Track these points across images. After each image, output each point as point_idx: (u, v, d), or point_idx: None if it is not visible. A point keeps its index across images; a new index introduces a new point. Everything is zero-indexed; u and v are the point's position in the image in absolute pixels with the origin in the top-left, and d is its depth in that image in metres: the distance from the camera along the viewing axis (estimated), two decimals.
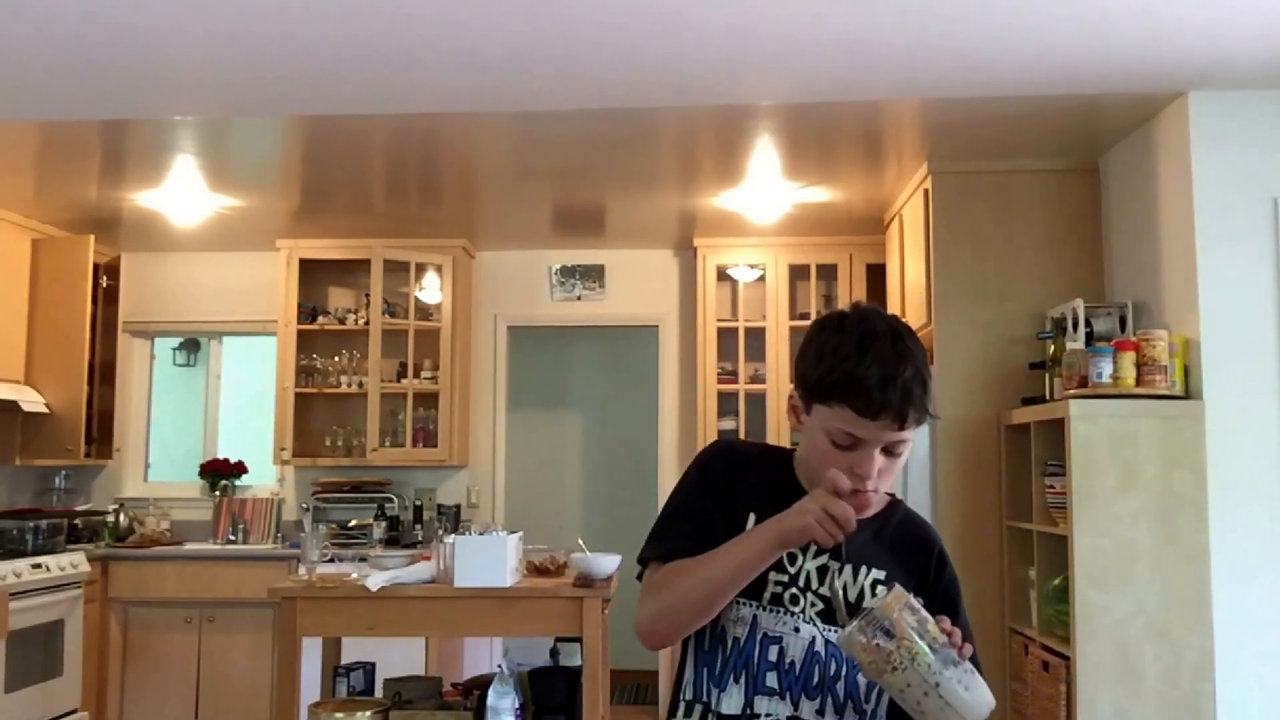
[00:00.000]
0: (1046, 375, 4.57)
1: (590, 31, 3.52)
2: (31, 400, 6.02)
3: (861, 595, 1.70)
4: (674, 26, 3.48)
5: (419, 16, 3.41)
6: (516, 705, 3.86)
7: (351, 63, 3.78)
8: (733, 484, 1.76)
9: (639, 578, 1.79)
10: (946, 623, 1.57)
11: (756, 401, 6.49)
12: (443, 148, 4.96)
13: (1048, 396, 4.52)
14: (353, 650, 4.48)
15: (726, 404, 6.51)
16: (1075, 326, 4.39)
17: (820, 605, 1.68)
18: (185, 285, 6.96)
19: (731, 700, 1.69)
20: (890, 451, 1.63)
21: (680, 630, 1.71)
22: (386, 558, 4.38)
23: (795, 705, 1.67)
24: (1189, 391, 4.06)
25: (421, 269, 6.57)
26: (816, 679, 1.68)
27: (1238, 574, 3.95)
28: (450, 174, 5.43)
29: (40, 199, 5.79)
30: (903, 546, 1.77)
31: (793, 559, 1.70)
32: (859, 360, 1.58)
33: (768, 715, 1.68)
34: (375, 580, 3.96)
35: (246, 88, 4.06)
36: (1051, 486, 4.23)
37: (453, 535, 4.14)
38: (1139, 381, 4.00)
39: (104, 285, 6.55)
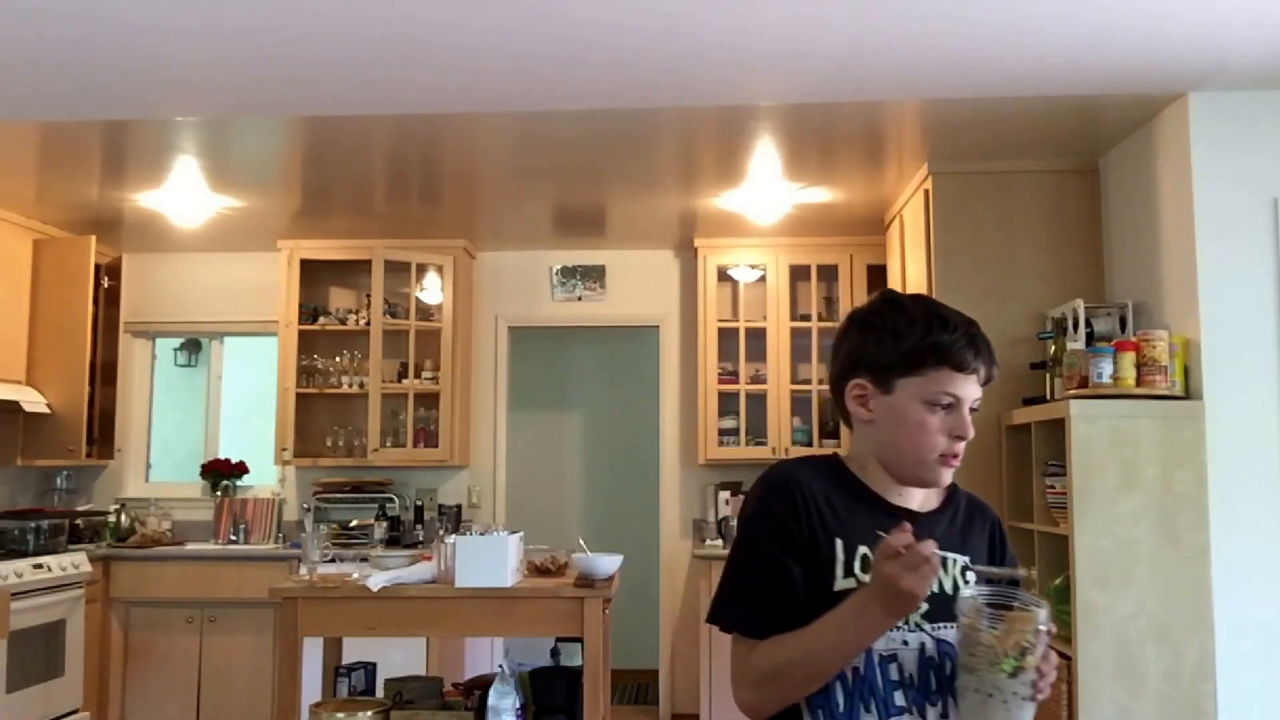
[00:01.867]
0: (1047, 375, 4.57)
1: (591, 32, 3.52)
2: (33, 400, 6.01)
3: (955, 584, 1.71)
4: (675, 27, 3.48)
5: (420, 17, 3.41)
6: (517, 705, 3.86)
7: (353, 63, 3.78)
8: (803, 521, 1.67)
9: (720, 627, 1.69)
10: (1052, 662, 1.58)
11: (757, 402, 6.49)
12: (444, 148, 4.96)
13: (1048, 397, 4.51)
14: (354, 650, 4.48)
15: (727, 404, 6.51)
16: (1076, 327, 4.39)
17: (924, 607, 1.64)
18: (186, 285, 6.96)
19: None
20: (972, 411, 1.71)
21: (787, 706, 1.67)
22: (387, 558, 4.38)
23: (924, 716, 1.65)
24: (1189, 392, 4.06)
25: (422, 269, 6.57)
26: (935, 684, 1.66)
27: (1238, 574, 3.95)
28: (451, 174, 5.43)
29: (41, 199, 5.78)
30: (971, 527, 1.81)
31: (866, 567, 1.66)
32: (942, 326, 1.68)
33: None
34: (376, 580, 3.97)
35: (248, 88, 4.05)
36: (1052, 486, 4.23)
37: (454, 535, 4.15)
38: (1139, 382, 4.00)
39: (105, 285, 6.55)
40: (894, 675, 1.64)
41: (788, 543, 1.65)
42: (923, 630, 1.66)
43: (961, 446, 1.69)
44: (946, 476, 1.71)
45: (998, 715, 1.56)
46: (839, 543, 1.66)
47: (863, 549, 1.66)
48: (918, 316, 1.69)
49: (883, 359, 1.69)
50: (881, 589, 1.52)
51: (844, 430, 1.90)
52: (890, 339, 1.69)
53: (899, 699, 1.64)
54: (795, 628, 1.61)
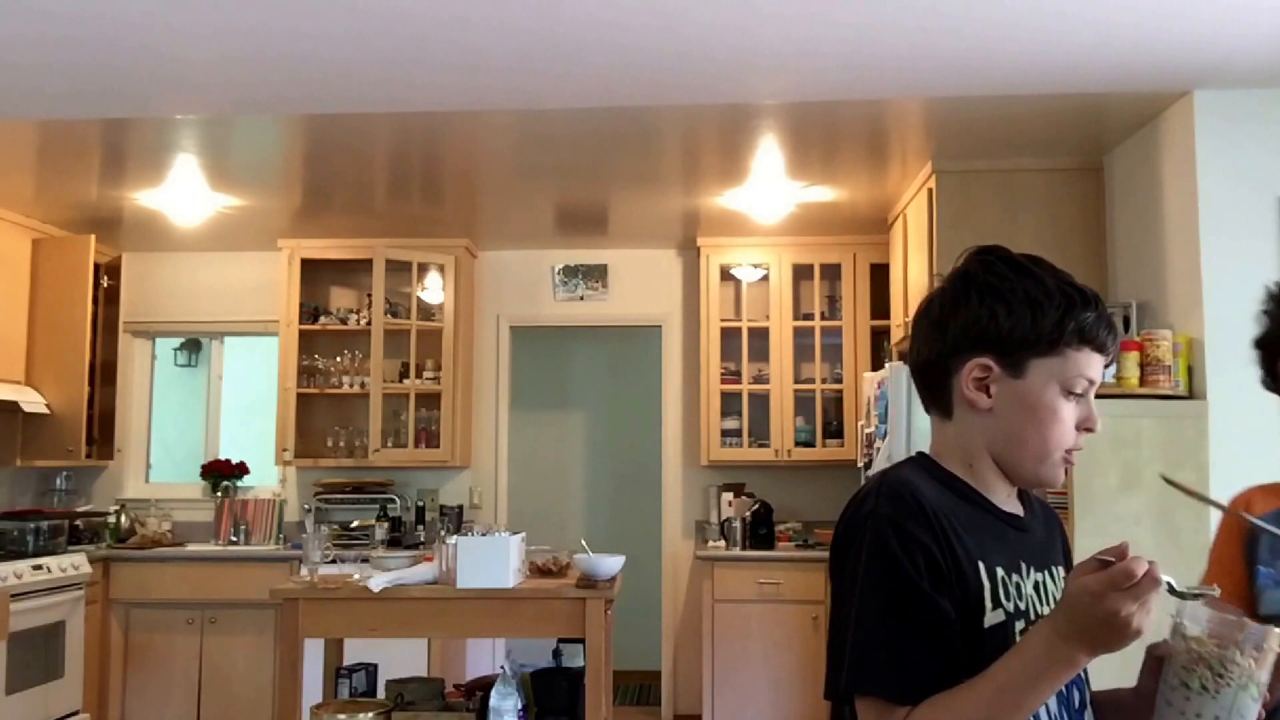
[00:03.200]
0: None
1: (593, 30, 3.51)
2: (32, 401, 6.00)
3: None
4: (677, 25, 3.47)
5: (421, 15, 3.39)
6: (519, 706, 3.85)
7: (354, 61, 3.77)
8: (944, 545, 1.35)
9: (855, 694, 1.33)
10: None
11: (760, 402, 6.48)
12: (445, 147, 4.94)
13: None
14: (355, 651, 4.48)
15: (730, 404, 6.50)
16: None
17: None
18: (186, 285, 6.95)
19: None
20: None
21: None
22: (389, 559, 4.38)
23: None
24: (1192, 391, 4.04)
25: (424, 269, 6.55)
26: (1067, 718, 1.42)
27: None
28: (453, 173, 5.42)
29: (41, 198, 5.77)
30: (1052, 534, 1.56)
31: (1008, 592, 1.39)
32: (1083, 299, 1.40)
33: None
34: (377, 581, 3.96)
35: (248, 86, 4.05)
36: None
37: (455, 536, 4.17)
38: (1143, 381, 3.98)
39: (105, 285, 6.54)
40: (1053, 717, 1.38)
41: (936, 575, 1.33)
42: None
43: (1085, 441, 1.43)
44: (1063, 475, 1.44)
45: None
46: (981, 567, 1.37)
47: (999, 571, 1.38)
48: (1053, 286, 1.39)
49: (1017, 335, 1.38)
50: (1097, 623, 1.21)
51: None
52: (1027, 311, 1.38)
53: None
54: (947, 684, 1.29)
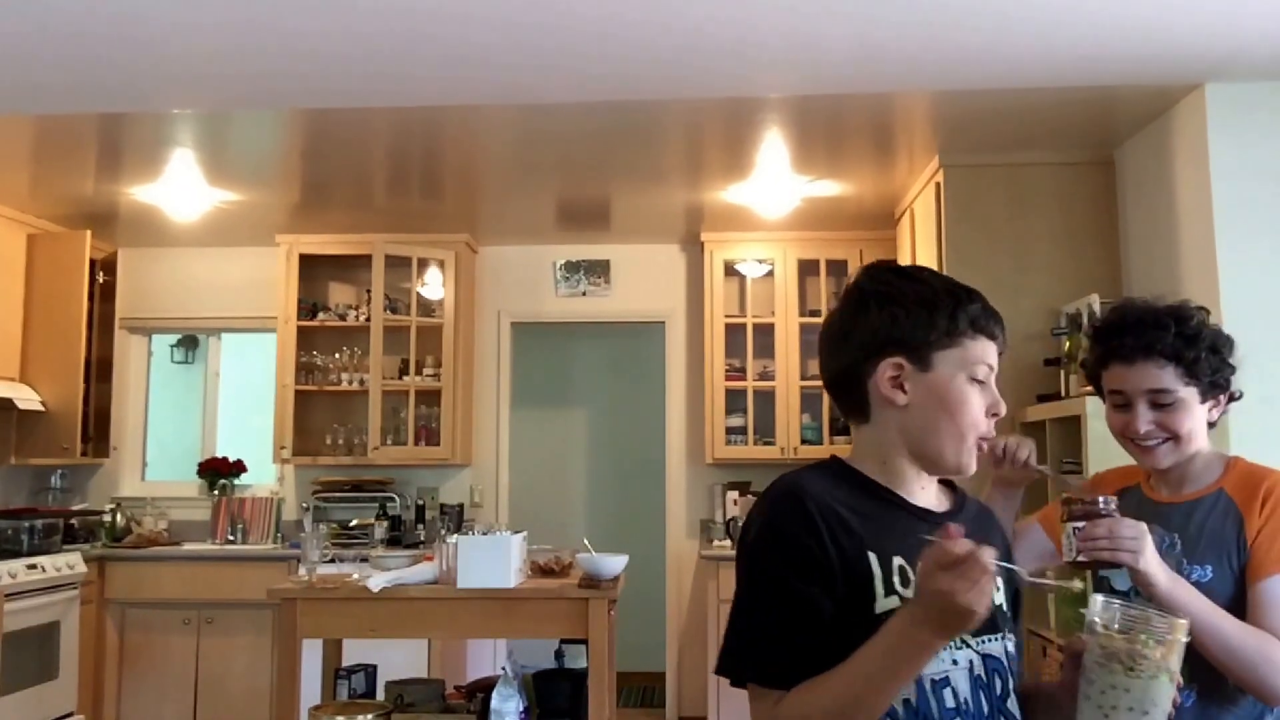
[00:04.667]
0: (1062, 372, 4.52)
1: (595, 23, 3.48)
2: (27, 398, 5.97)
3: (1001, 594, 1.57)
4: (680, 17, 3.44)
5: (420, 8, 3.37)
6: (521, 708, 3.83)
7: (352, 55, 3.74)
8: (825, 539, 1.44)
9: (731, 681, 1.45)
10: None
11: (765, 398, 6.45)
12: (445, 141, 4.93)
13: (1063, 394, 4.46)
14: (354, 652, 4.47)
15: (734, 401, 6.47)
16: (1090, 322, 4.34)
17: None
18: (183, 281, 6.91)
19: None
20: None
21: None
22: (388, 558, 4.37)
23: None
24: None
25: (424, 264, 6.51)
26: (987, 708, 1.48)
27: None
28: (453, 168, 5.40)
29: (36, 193, 5.75)
30: (986, 529, 1.62)
31: (906, 580, 1.46)
32: (966, 293, 1.55)
33: None
34: (377, 581, 3.94)
35: (245, 80, 4.02)
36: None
37: (456, 535, 4.16)
38: None
39: (101, 281, 6.51)
40: (949, 702, 1.45)
41: (808, 569, 1.42)
42: (969, 647, 1.48)
43: (994, 425, 1.55)
44: (975, 462, 1.54)
45: None
46: (873, 557, 1.45)
47: (898, 560, 1.46)
48: (938, 285, 1.54)
49: (919, 332, 1.50)
50: (933, 605, 1.30)
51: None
52: (922, 310, 1.51)
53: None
54: (824, 669, 1.39)
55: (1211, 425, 2.07)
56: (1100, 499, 1.89)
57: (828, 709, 1.37)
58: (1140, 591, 1.90)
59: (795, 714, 1.39)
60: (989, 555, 1.29)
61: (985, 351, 1.54)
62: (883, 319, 1.52)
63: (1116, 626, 1.47)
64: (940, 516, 1.54)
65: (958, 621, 1.30)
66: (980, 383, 1.53)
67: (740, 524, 1.58)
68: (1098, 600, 1.51)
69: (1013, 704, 1.51)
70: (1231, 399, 2.08)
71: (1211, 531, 1.99)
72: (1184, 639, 1.47)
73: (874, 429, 1.55)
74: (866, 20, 3.47)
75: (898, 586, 1.44)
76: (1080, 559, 1.88)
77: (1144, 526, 1.88)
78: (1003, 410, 1.55)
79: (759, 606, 1.45)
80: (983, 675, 1.48)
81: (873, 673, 1.35)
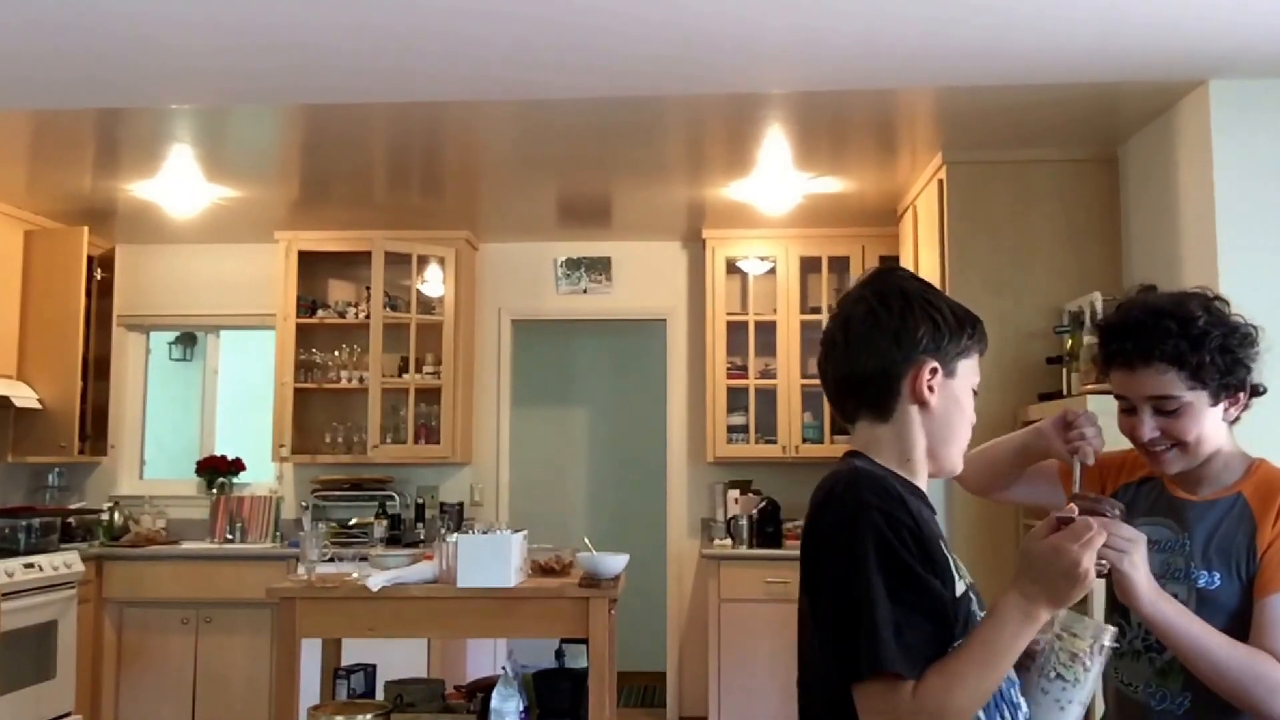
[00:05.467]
0: (1064, 370, 4.50)
1: (596, 18, 3.47)
2: (24, 396, 5.95)
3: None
4: (682, 12, 3.43)
5: (421, 3, 3.35)
6: (521, 708, 3.83)
7: (352, 50, 3.73)
8: (922, 527, 1.54)
9: (873, 676, 1.45)
10: None
11: (767, 397, 6.44)
12: (445, 137, 4.91)
13: (1065, 392, 4.44)
14: (353, 652, 4.46)
15: (736, 399, 6.45)
16: (1093, 320, 4.33)
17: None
18: (181, 278, 6.89)
19: None
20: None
21: None
22: (388, 557, 4.37)
23: (1022, 705, 1.64)
24: None
25: (424, 261, 6.49)
26: (1014, 675, 1.64)
27: None
28: (453, 164, 5.38)
29: (33, 189, 5.73)
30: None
31: (957, 565, 1.61)
32: (973, 315, 1.69)
33: None
34: (376, 580, 3.94)
35: (244, 76, 4.01)
36: None
37: (455, 534, 4.15)
38: None
39: (98, 278, 6.49)
40: (1011, 674, 1.59)
41: (923, 553, 1.50)
42: None
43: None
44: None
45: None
46: (942, 544, 1.58)
47: (945, 547, 1.60)
48: (949, 300, 1.68)
49: (950, 340, 1.63)
50: (1060, 578, 1.47)
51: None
52: (954, 319, 1.64)
53: (1015, 695, 1.61)
54: (942, 653, 1.47)
55: (1233, 423, 1.99)
56: (1106, 503, 1.85)
57: (969, 684, 1.44)
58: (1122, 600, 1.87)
59: (938, 693, 1.44)
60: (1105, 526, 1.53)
61: (980, 367, 1.69)
62: (928, 325, 1.62)
63: (1072, 630, 1.66)
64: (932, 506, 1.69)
65: (1075, 588, 1.47)
66: (975, 394, 1.69)
67: (828, 523, 1.56)
68: (1063, 613, 1.63)
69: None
70: (1255, 394, 1.97)
71: (1224, 537, 1.91)
72: (1109, 644, 1.66)
73: (895, 427, 1.64)
74: (869, 16, 3.45)
75: (960, 572, 1.59)
76: None
77: (1142, 537, 1.83)
78: (974, 420, 1.70)
79: (893, 596, 1.46)
80: None
81: (996, 645, 1.46)
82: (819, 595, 1.54)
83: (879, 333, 1.62)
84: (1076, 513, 1.71)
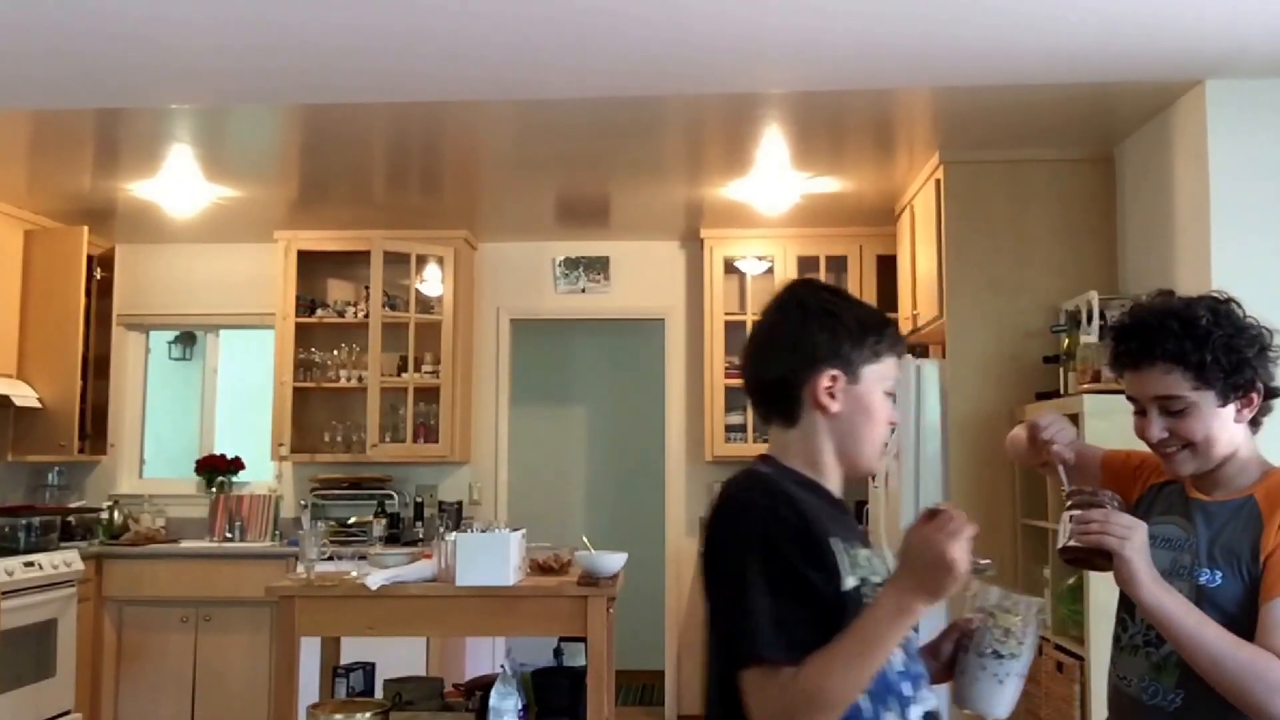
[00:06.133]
0: (1060, 369, 4.50)
1: (595, 17, 3.47)
2: (24, 395, 5.95)
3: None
4: (681, 13, 3.43)
5: (420, 3, 3.35)
6: (519, 706, 3.82)
7: (351, 50, 3.73)
8: (809, 524, 1.61)
9: (752, 665, 1.55)
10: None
11: None
12: (444, 137, 4.91)
13: (1062, 391, 4.45)
14: (352, 650, 4.45)
15: (734, 399, 6.44)
16: (1090, 319, 4.34)
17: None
18: (181, 277, 6.89)
19: None
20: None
21: None
22: (387, 556, 4.35)
23: (919, 702, 1.68)
24: None
25: (422, 261, 6.49)
26: (916, 669, 1.70)
27: None
28: (452, 164, 5.38)
29: (33, 189, 5.73)
30: (856, 516, 1.92)
31: (854, 562, 1.66)
32: (885, 319, 1.76)
33: (926, 715, 1.69)
34: (375, 579, 3.92)
35: (244, 75, 4.01)
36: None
37: (454, 533, 4.13)
38: None
39: (98, 277, 6.48)
40: (898, 666, 1.64)
41: (808, 553, 1.59)
42: None
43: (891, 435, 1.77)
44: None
45: (1012, 694, 1.75)
46: (834, 542, 1.63)
47: (842, 545, 1.64)
48: (864, 305, 1.76)
49: (852, 347, 1.69)
50: (931, 568, 1.51)
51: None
52: (856, 327, 1.70)
53: (906, 689, 1.65)
54: (822, 642, 1.54)
55: (1255, 426, 1.98)
56: (1104, 494, 1.89)
57: (843, 671, 1.52)
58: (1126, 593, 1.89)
59: (814, 680, 1.51)
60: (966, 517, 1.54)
61: (896, 369, 1.75)
62: (825, 334, 1.69)
63: (1004, 607, 1.74)
64: (846, 506, 1.78)
65: (947, 580, 1.50)
66: (889, 395, 1.74)
67: (721, 522, 1.68)
68: (994, 589, 1.76)
69: (921, 665, 1.74)
70: (1271, 395, 1.96)
71: (1230, 536, 1.92)
72: (1039, 616, 1.76)
73: (801, 432, 1.72)
74: (867, 17, 3.45)
75: (852, 568, 1.63)
76: (1071, 544, 1.88)
77: (1142, 525, 1.85)
78: (898, 421, 1.81)
79: (773, 590, 1.55)
80: (907, 641, 1.68)
81: (872, 636, 1.53)
82: (710, 589, 1.65)
83: (779, 343, 1.73)
84: (1070, 503, 1.83)
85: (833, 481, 1.74)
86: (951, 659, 1.80)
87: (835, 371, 1.68)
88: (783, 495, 1.63)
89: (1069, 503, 1.93)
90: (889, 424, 1.74)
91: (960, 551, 1.50)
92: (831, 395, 1.68)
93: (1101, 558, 1.86)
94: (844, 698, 1.52)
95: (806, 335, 1.69)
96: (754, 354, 1.77)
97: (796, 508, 1.61)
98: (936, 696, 1.74)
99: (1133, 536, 1.83)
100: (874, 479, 5.23)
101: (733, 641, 1.58)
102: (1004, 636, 1.73)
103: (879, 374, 1.71)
